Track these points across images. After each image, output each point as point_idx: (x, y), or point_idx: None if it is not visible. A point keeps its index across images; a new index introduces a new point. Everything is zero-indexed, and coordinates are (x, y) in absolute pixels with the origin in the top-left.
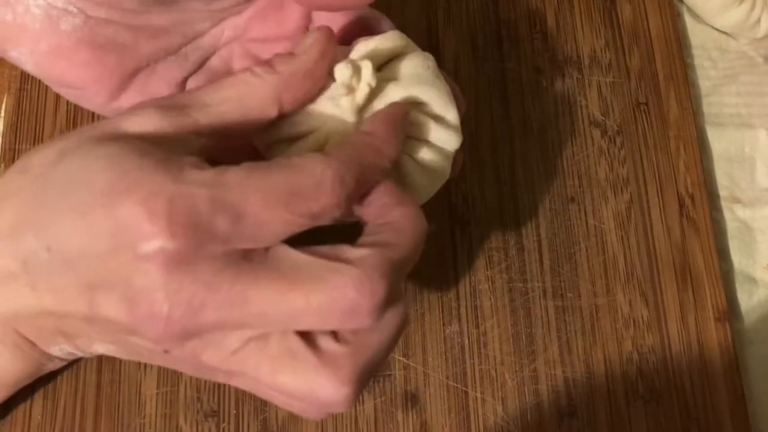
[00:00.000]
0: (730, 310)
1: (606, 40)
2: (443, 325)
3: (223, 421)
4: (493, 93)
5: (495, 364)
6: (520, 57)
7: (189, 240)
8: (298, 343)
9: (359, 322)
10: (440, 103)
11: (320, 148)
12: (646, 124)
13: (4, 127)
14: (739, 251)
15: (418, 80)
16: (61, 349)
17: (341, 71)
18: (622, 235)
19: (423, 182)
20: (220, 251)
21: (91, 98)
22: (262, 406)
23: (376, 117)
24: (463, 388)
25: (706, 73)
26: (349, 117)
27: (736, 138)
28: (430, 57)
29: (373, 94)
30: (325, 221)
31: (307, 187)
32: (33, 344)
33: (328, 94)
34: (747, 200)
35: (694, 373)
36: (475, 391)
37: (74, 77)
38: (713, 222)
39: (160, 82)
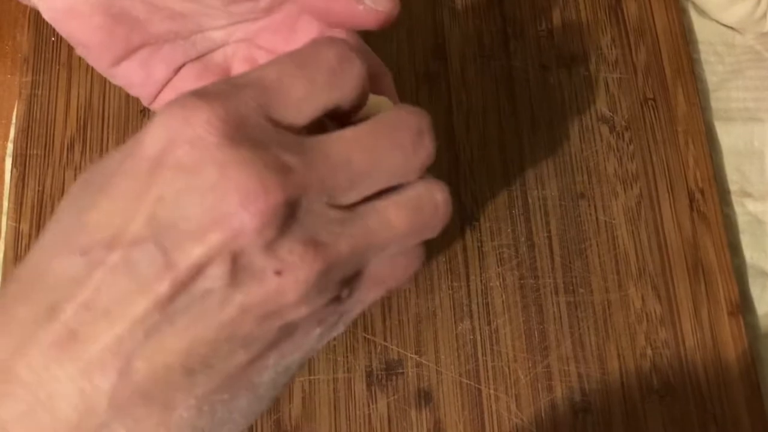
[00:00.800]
0: (743, 305)
1: (612, 37)
2: (455, 322)
3: None
4: (500, 91)
5: (508, 360)
6: (527, 55)
7: (225, 103)
8: (397, 192)
9: (429, 140)
10: None
11: None
12: (654, 120)
13: (15, 132)
14: (750, 245)
15: None
16: None
17: None
18: (632, 231)
19: None
20: (267, 122)
21: (94, 59)
22: (275, 405)
23: None
24: (476, 386)
25: (713, 68)
26: None
27: (745, 132)
28: None
29: None
30: (349, 83)
31: (307, 53)
32: None
33: None
34: (758, 194)
35: (708, 367)
36: (489, 388)
37: (82, 37)
38: (724, 217)
39: (161, 62)
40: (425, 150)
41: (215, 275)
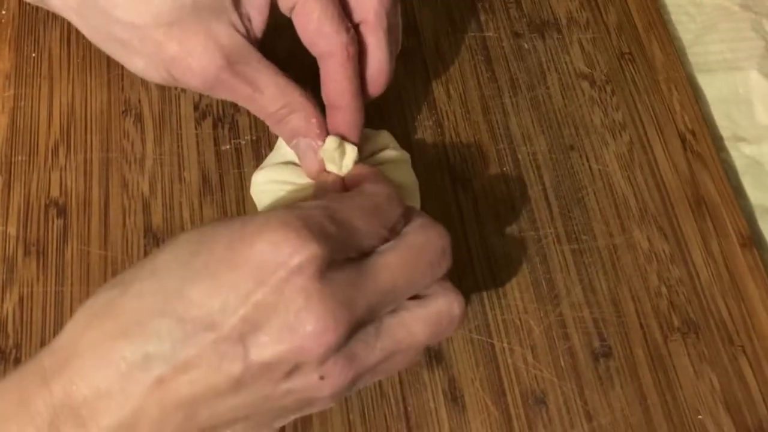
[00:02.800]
0: (757, 244)
1: (580, 2)
2: (459, 280)
3: None
4: (477, 59)
5: (518, 312)
6: (498, 25)
7: (327, 245)
8: (416, 301)
9: (449, 256)
10: (409, 190)
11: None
12: (633, 72)
13: (0, 141)
14: (753, 186)
15: (394, 167)
16: None
17: (329, 142)
18: (628, 176)
19: None
20: (343, 257)
21: None
22: None
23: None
24: (489, 340)
25: (686, 27)
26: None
27: (728, 81)
28: (407, 153)
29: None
30: (394, 236)
31: (384, 202)
32: None
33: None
34: (751, 138)
35: (729, 300)
36: (501, 342)
37: None
38: (722, 161)
39: None
40: (447, 264)
41: (276, 372)
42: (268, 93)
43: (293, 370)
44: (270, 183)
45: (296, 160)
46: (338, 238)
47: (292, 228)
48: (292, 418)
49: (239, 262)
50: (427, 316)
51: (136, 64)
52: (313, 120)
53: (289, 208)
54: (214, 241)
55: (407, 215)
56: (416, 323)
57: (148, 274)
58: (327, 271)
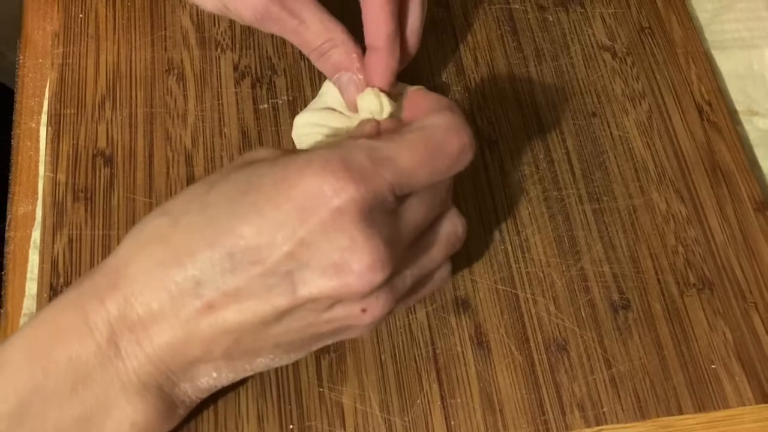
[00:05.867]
0: None
1: None
2: (484, 235)
3: None
4: (503, 29)
5: (541, 266)
6: None
7: (368, 185)
8: (434, 231)
9: (450, 196)
10: None
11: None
12: (653, 45)
13: (48, 96)
14: (766, 159)
15: None
16: (205, 383)
17: (367, 92)
18: (647, 142)
19: None
20: (391, 200)
21: None
22: None
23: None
24: (513, 291)
25: (703, 6)
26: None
27: (743, 58)
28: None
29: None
30: (458, 169)
31: (442, 141)
32: (175, 385)
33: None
34: (765, 112)
35: (743, 260)
36: (525, 293)
37: None
38: (737, 134)
39: None
40: (449, 202)
41: (321, 305)
42: (313, 27)
43: (336, 302)
44: (310, 126)
45: (336, 107)
46: (386, 177)
47: (331, 170)
48: (329, 342)
49: (283, 202)
50: (441, 240)
51: None
52: (354, 55)
53: (332, 147)
54: (262, 182)
55: None
56: (434, 249)
57: (199, 209)
58: (371, 212)
